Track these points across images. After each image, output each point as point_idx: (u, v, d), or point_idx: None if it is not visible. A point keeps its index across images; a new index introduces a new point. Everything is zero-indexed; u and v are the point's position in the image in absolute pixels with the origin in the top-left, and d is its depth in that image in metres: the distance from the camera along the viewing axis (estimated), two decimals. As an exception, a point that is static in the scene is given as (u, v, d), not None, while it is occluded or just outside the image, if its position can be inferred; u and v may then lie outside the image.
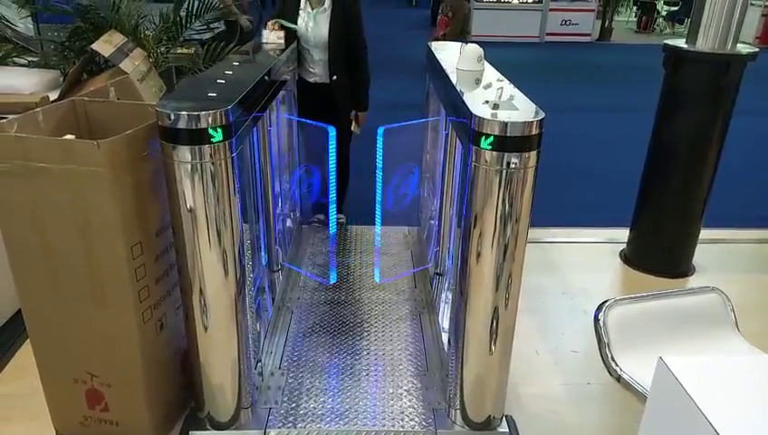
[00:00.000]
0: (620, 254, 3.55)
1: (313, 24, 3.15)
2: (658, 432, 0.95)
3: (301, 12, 3.18)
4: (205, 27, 4.00)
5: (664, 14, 15.21)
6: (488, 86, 2.09)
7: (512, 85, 2.10)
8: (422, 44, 3.12)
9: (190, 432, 2.08)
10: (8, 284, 1.92)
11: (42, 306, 1.91)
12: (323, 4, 3.15)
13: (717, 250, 3.62)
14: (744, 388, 0.90)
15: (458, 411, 2.11)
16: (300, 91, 3.32)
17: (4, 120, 1.80)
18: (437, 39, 9.65)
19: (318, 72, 3.28)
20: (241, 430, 2.10)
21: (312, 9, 3.15)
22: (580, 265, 3.45)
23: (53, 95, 2.89)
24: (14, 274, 1.88)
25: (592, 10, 13.42)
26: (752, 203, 4.57)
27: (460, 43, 2.73)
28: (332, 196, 2.49)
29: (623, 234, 3.55)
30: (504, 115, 1.73)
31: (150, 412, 2.03)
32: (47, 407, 2.09)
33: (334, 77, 3.22)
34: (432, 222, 3.23)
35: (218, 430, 2.08)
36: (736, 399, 0.87)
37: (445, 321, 2.58)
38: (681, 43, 3.13)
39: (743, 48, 3.02)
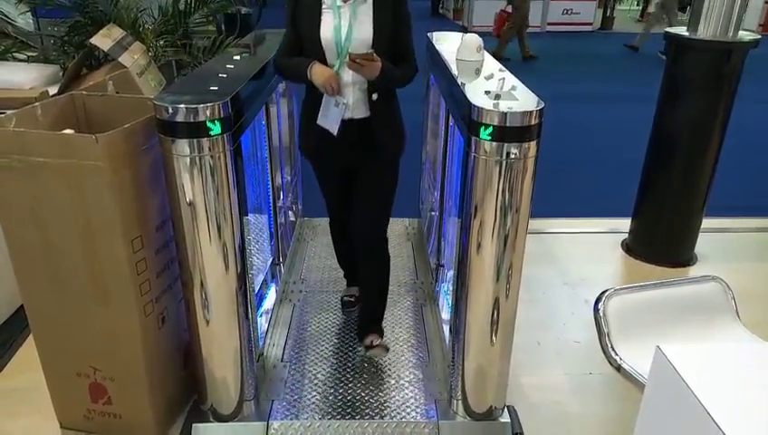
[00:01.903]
0: (622, 244, 3.55)
1: (352, 21, 2.04)
2: (656, 421, 0.95)
3: (325, 10, 2.06)
4: (204, 20, 3.99)
5: (666, 2, 15.09)
6: (489, 77, 2.09)
7: (512, 75, 2.09)
8: (422, 36, 3.09)
9: (193, 425, 2.09)
10: (10, 279, 1.93)
11: (43, 301, 1.92)
12: None
13: (719, 239, 3.61)
14: (740, 375, 0.90)
15: (460, 402, 2.11)
16: (307, 137, 2.25)
17: (3, 115, 1.80)
18: (498, 36, 9.78)
19: (347, 105, 2.10)
20: (244, 423, 2.11)
21: (346, 0, 2.05)
22: (581, 255, 3.45)
23: (53, 90, 2.89)
24: (15, 268, 1.89)
25: (594, -1, 13.36)
26: (754, 191, 4.56)
27: (461, 34, 2.72)
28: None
29: (625, 224, 3.55)
30: (503, 105, 1.72)
31: (153, 405, 2.04)
32: (51, 401, 2.11)
33: (374, 96, 2.10)
34: (433, 213, 3.23)
35: (221, 422, 2.10)
36: (733, 386, 0.87)
37: (446, 312, 2.59)
38: (683, 31, 3.11)
39: (745, 35, 2.99)
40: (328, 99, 2.08)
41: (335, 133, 2.10)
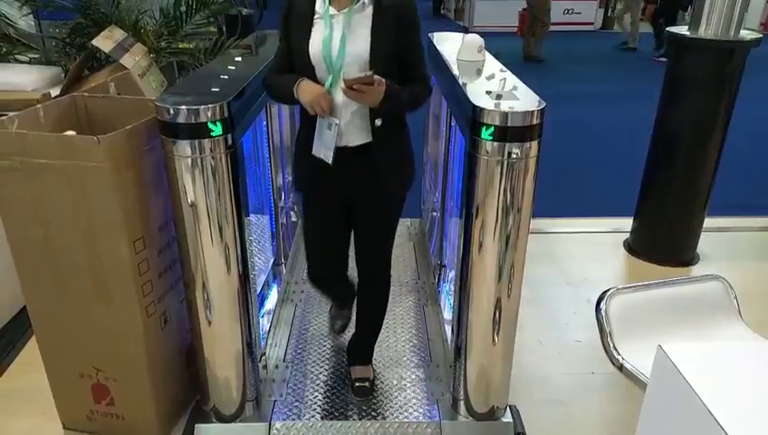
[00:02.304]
0: (624, 243, 3.54)
1: (346, 32, 1.74)
2: (658, 420, 0.95)
3: (317, 19, 1.78)
4: (205, 21, 4.00)
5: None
6: (490, 77, 2.09)
7: (513, 75, 2.10)
8: (423, 35, 3.08)
9: (195, 425, 2.10)
10: (13, 280, 1.93)
11: (46, 302, 1.92)
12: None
13: (722, 238, 3.60)
14: (742, 374, 0.90)
15: (462, 402, 2.11)
16: (301, 168, 1.98)
17: (5, 117, 1.81)
18: (523, 35, 9.85)
19: (339, 127, 1.80)
20: (246, 423, 2.11)
21: (340, 8, 1.76)
22: (583, 255, 3.44)
23: (55, 92, 2.89)
24: (18, 270, 1.89)
25: (595, -1, 13.34)
26: (756, 191, 4.55)
27: (462, 34, 2.72)
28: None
29: (626, 223, 3.54)
30: (504, 105, 1.72)
31: (156, 406, 2.04)
32: (54, 402, 2.11)
33: (377, 122, 1.81)
34: (434, 214, 3.23)
35: (223, 422, 2.10)
36: (735, 385, 0.87)
37: (448, 312, 2.59)
38: (684, 30, 3.10)
39: (746, 34, 2.99)
40: (321, 122, 1.80)
41: (330, 161, 1.81)
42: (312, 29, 1.78)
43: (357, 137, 1.84)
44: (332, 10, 1.76)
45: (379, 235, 2.05)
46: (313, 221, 2.08)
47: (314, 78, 1.80)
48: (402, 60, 1.80)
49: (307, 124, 1.88)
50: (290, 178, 3.34)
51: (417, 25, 1.82)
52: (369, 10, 1.76)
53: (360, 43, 1.76)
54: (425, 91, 1.86)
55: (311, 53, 1.77)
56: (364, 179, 1.90)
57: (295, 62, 1.83)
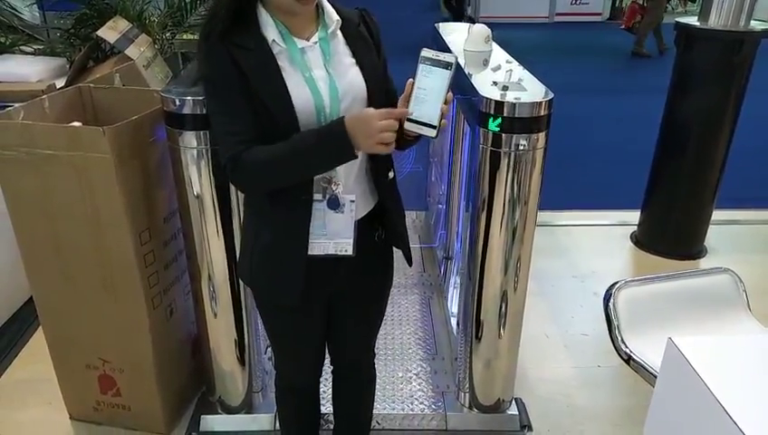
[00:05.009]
0: (631, 236, 3.53)
1: (328, 68, 1.28)
2: (668, 413, 0.94)
3: (281, 61, 1.25)
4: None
5: (676, -9, 14.94)
6: (497, 68, 2.07)
7: (520, 66, 2.08)
8: (430, 27, 3.07)
9: (201, 417, 2.10)
10: (20, 270, 1.94)
11: (52, 293, 1.92)
12: (330, 23, 1.30)
13: (730, 231, 3.58)
14: (754, 367, 0.89)
15: (468, 394, 2.11)
16: (287, 280, 1.36)
17: (11, 108, 1.81)
18: (628, 29, 9.63)
19: (353, 196, 1.33)
20: (252, 414, 2.12)
21: (308, 36, 1.29)
22: (590, 247, 3.43)
23: (60, 83, 2.89)
24: (24, 261, 1.90)
25: (603, -11, 13.23)
26: (765, 183, 4.52)
27: (468, 24, 2.69)
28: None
29: (634, 216, 3.52)
30: (512, 96, 1.71)
31: (162, 397, 2.05)
32: (61, 392, 2.12)
33: (390, 174, 1.42)
34: (440, 206, 3.22)
35: (230, 414, 2.10)
36: (747, 378, 0.86)
37: (454, 305, 2.58)
38: (693, 20, 3.07)
39: (757, 24, 2.96)
40: (319, 208, 1.31)
41: (352, 252, 1.35)
42: (283, 75, 1.24)
43: (363, 205, 1.38)
44: (300, 42, 1.27)
45: (377, 314, 1.62)
46: (295, 329, 1.53)
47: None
48: (388, 92, 1.37)
49: (281, 218, 1.33)
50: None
51: (380, 37, 1.39)
52: (340, 36, 1.33)
53: (353, 78, 1.30)
54: None
55: (297, 106, 1.24)
56: (371, 254, 1.45)
57: (268, 125, 1.24)
